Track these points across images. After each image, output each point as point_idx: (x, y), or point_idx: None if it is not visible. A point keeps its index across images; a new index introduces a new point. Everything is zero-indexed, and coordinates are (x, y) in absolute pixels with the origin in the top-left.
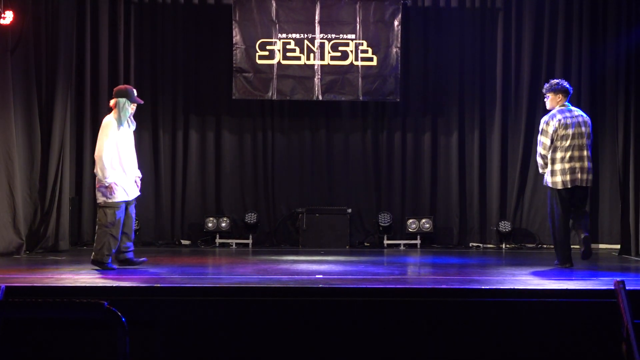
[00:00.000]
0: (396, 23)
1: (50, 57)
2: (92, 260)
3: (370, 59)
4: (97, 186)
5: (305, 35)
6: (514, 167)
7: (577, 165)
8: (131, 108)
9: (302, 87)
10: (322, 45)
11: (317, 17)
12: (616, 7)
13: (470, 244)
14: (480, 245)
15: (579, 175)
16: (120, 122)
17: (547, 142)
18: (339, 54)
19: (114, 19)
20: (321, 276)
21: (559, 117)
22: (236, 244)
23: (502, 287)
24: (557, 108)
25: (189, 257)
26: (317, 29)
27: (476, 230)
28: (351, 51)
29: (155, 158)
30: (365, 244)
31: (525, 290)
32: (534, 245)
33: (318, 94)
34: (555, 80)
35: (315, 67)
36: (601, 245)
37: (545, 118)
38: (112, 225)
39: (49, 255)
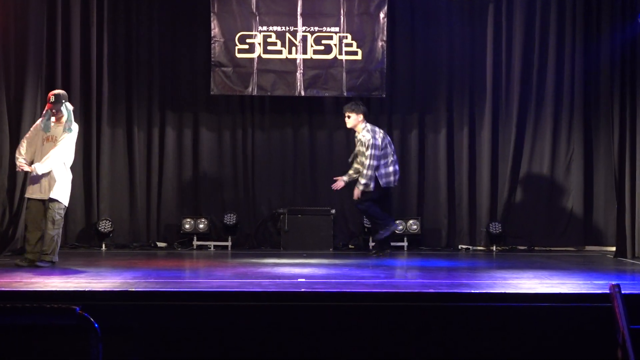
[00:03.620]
0: (382, 15)
1: (19, 53)
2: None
3: (355, 53)
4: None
5: (287, 28)
6: (505, 166)
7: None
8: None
9: (284, 82)
10: (304, 39)
11: (299, 9)
12: (611, 0)
13: (460, 246)
14: (470, 247)
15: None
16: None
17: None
18: (322, 47)
19: (86, 12)
20: (303, 280)
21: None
22: (215, 246)
23: (492, 291)
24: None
25: (165, 260)
26: (300, 21)
27: (465, 232)
28: (335, 45)
29: (129, 156)
30: (350, 246)
31: (517, 295)
32: (525, 247)
33: (300, 89)
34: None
35: (298, 61)
36: (596, 247)
37: (368, 135)
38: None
39: (17, 258)
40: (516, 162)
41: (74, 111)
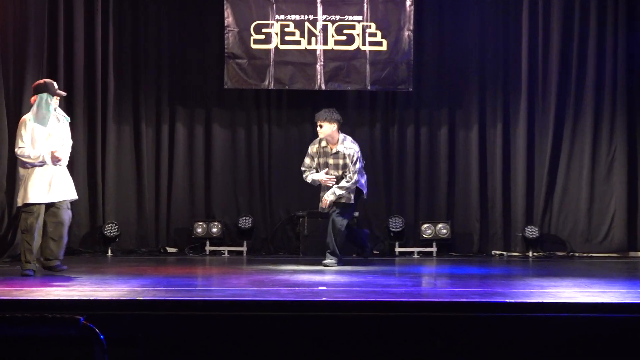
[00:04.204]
0: (408, 3)
1: (18, 45)
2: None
3: (379, 44)
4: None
5: (306, 17)
6: (542, 166)
7: None
8: (55, 102)
9: (303, 75)
10: (325, 28)
11: None
12: None
13: (493, 252)
14: (504, 253)
15: None
16: (38, 120)
17: None
18: (344, 37)
19: (90, 1)
20: (324, 288)
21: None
22: (229, 251)
23: (529, 301)
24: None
25: (176, 266)
26: (320, 9)
27: (499, 237)
28: (358, 34)
29: (137, 155)
30: (374, 251)
31: (555, 305)
32: (564, 253)
33: (320, 82)
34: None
35: (317, 52)
36: None
37: (355, 147)
38: (26, 231)
39: (17, 264)
40: (554, 161)
41: (77, 107)
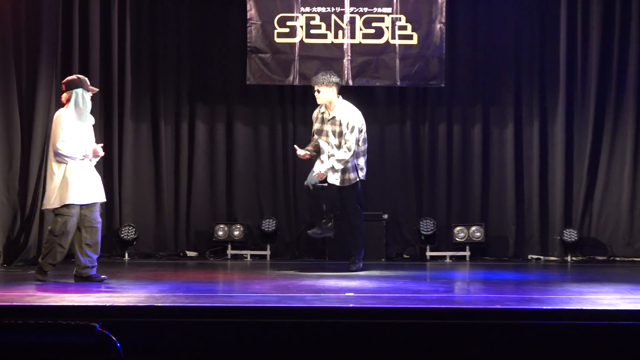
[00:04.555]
0: None
1: (31, 40)
2: (76, 276)
3: (410, 37)
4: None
5: (333, 9)
6: (581, 165)
7: None
8: (89, 98)
9: (329, 70)
10: (352, 21)
11: None
12: None
13: (529, 256)
14: (541, 257)
15: None
16: (78, 116)
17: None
18: (372, 30)
19: None
20: (352, 294)
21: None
22: (251, 255)
23: (567, 308)
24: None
25: (196, 271)
26: (347, 1)
27: (536, 240)
28: (387, 27)
29: (155, 155)
30: (405, 255)
31: (595, 312)
32: (605, 257)
33: (348, 78)
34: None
35: (345, 46)
36: None
37: (354, 115)
38: (62, 234)
39: (30, 269)
40: (594, 160)
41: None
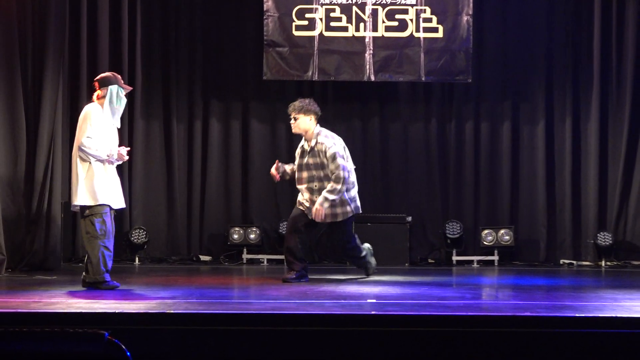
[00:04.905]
0: None
1: (37, 32)
2: (88, 281)
3: (435, 30)
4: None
5: (354, 0)
6: (616, 165)
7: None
8: (124, 97)
9: (350, 65)
10: (374, 13)
11: None
12: None
13: (561, 261)
14: (574, 262)
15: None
16: (112, 114)
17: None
18: (395, 23)
19: None
20: (374, 301)
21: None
22: (268, 260)
23: (601, 315)
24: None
25: (209, 276)
26: None
27: (568, 244)
28: (411, 20)
29: (167, 155)
30: (429, 260)
31: (631, 320)
32: None
33: (369, 73)
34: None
35: (366, 40)
36: None
37: (331, 140)
38: (104, 234)
39: (36, 274)
40: (629, 159)
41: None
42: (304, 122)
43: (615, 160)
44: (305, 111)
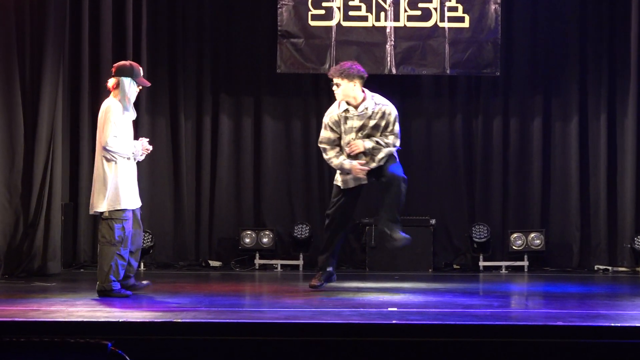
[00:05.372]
0: None
1: (36, 23)
2: (97, 289)
3: (461, 19)
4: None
5: None
6: None
7: None
8: (136, 91)
9: (370, 58)
10: (396, 2)
11: None
12: None
13: (596, 267)
14: (609, 268)
15: None
16: (125, 108)
17: None
18: (418, 12)
19: None
20: (395, 309)
21: None
22: (282, 265)
23: (638, 325)
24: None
25: (220, 282)
26: None
27: (603, 249)
28: (435, 9)
29: (174, 153)
30: (455, 266)
31: None
32: None
33: (391, 66)
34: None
35: (387, 30)
36: None
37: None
38: (121, 242)
39: (34, 280)
40: None
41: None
42: (348, 88)
43: None
44: (347, 75)
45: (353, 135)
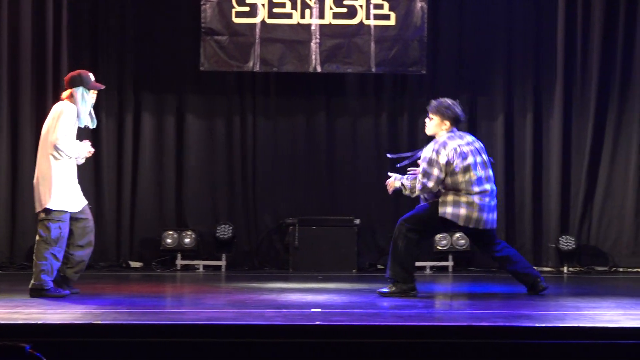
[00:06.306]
0: None
1: None
2: (30, 288)
3: (387, 17)
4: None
5: None
6: (580, 164)
7: None
8: (91, 98)
9: (295, 55)
10: None
11: None
12: None
13: None
14: (534, 267)
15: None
16: (78, 115)
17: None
18: (344, 9)
19: None
20: (319, 310)
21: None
22: (204, 266)
23: (562, 325)
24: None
25: (141, 284)
26: None
27: (528, 249)
28: (360, 6)
29: (95, 151)
30: (379, 266)
31: (594, 329)
32: (605, 268)
33: (316, 64)
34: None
35: (312, 27)
36: None
37: (434, 146)
38: (57, 242)
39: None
40: (594, 159)
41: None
42: (435, 125)
43: (579, 159)
44: (442, 114)
45: None
